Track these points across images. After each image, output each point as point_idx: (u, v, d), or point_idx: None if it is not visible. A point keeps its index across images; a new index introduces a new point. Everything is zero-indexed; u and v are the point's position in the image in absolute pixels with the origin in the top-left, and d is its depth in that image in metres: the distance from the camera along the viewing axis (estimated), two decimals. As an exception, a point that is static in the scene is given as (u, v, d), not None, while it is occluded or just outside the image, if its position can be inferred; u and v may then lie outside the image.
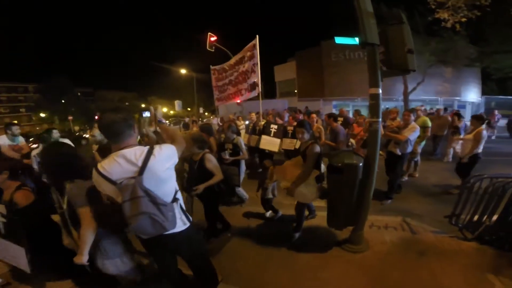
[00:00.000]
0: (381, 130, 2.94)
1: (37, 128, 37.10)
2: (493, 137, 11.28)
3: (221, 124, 8.43)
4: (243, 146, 4.24)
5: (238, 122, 8.23)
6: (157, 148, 1.61)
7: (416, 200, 4.44)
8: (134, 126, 1.64)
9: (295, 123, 5.86)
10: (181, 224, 1.77)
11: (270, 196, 3.63)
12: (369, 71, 2.65)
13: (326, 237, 3.25)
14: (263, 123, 5.62)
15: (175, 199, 1.73)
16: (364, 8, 2.54)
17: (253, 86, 5.65)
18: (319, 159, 2.89)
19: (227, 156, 3.91)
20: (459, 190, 3.29)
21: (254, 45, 5.44)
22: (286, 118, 10.21)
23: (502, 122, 12.89)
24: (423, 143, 5.66)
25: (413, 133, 4.14)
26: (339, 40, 19.45)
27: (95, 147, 4.57)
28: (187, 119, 12.29)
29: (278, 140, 5.05)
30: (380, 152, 3.10)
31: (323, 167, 3.03)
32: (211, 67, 7.37)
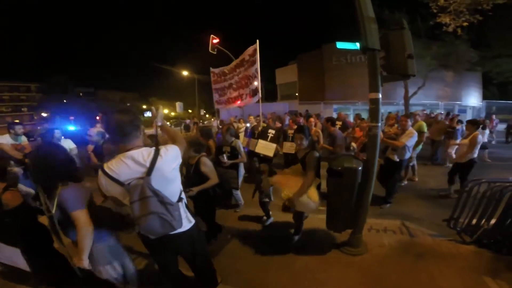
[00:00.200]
0: (380, 135, 2.96)
1: (39, 128, 37.16)
2: (493, 142, 11.29)
3: (220, 127, 8.46)
4: (242, 149, 4.21)
5: (239, 125, 8.26)
6: (163, 149, 1.64)
7: (415, 204, 4.47)
8: (140, 127, 1.66)
9: (295, 127, 5.89)
10: (186, 222, 1.80)
11: (266, 199, 3.60)
12: (369, 76, 2.68)
13: (325, 239, 3.27)
14: (261, 128, 5.63)
15: (180, 199, 1.76)
16: (365, 13, 2.57)
17: (255, 91, 5.68)
18: (319, 166, 2.86)
19: (225, 159, 3.87)
20: (458, 194, 3.31)
21: (255, 50, 5.47)
22: (286, 122, 10.24)
23: (501, 127, 12.89)
24: (420, 147, 5.68)
25: (410, 139, 4.13)
26: (340, 45, 19.60)
27: (91, 147, 4.58)
28: (188, 121, 12.35)
29: (274, 145, 5.04)
30: (378, 159, 3.11)
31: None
32: (211, 69, 7.43)
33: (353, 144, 5.81)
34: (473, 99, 23.32)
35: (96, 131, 4.16)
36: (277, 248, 3.11)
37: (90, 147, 4.57)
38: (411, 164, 5.53)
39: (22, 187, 3.58)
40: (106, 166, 1.56)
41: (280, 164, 5.19)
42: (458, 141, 4.74)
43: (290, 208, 2.88)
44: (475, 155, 4.31)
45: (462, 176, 4.45)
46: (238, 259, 2.98)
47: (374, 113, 2.69)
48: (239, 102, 6.41)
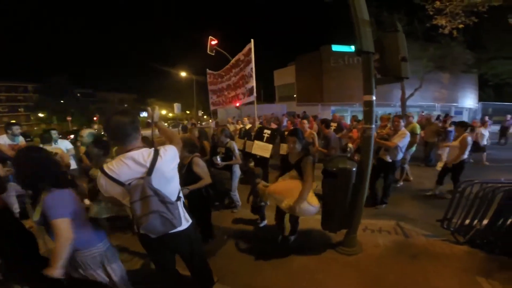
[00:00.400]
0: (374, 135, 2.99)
1: (35, 128, 37.00)
2: (485, 143, 11.39)
3: (215, 128, 8.46)
4: (236, 151, 4.19)
5: (237, 126, 8.28)
6: (162, 150, 1.68)
7: (410, 205, 4.51)
8: (139, 128, 1.69)
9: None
10: (184, 221, 1.83)
11: (262, 203, 3.54)
12: (363, 78, 2.72)
13: (320, 239, 3.30)
14: (256, 128, 5.64)
15: (178, 198, 1.80)
16: (360, 16, 2.61)
17: (251, 91, 5.71)
18: (313, 169, 2.82)
19: (218, 161, 3.84)
20: (451, 195, 3.35)
21: (250, 49, 5.50)
22: (284, 123, 10.28)
23: (495, 129, 12.98)
24: (413, 149, 5.73)
25: (402, 140, 4.15)
26: (336, 47, 19.79)
27: (83, 149, 4.50)
28: (186, 122, 12.36)
29: (270, 146, 5.01)
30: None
31: None
32: (208, 70, 7.46)
33: (350, 145, 5.85)
34: (469, 101, 23.53)
35: (87, 132, 4.10)
36: (273, 248, 3.13)
37: (82, 148, 4.54)
38: (404, 165, 5.58)
39: (17, 187, 3.62)
40: (106, 167, 1.58)
41: (277, 165, 5.21)
42: (448, 143, 4.78)
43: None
44: (466, 156, 4.38)
45: (454, 177, 4.52)
46: (234, 259, 3.00)
47: (368, 115, 2.72)
48: (237, 102, 6.43)
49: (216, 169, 3.80)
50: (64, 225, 1.60)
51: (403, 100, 16.02)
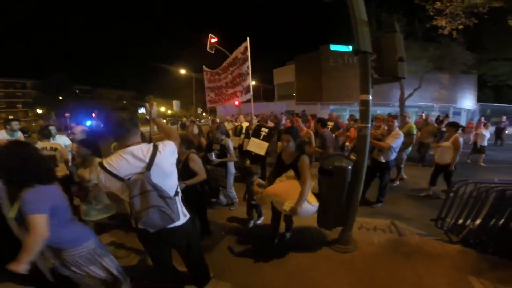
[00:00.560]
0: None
1: (33, 124, 36.89)
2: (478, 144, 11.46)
3: (212, 125, 8.44)
4: (231, 148, 4.21)
5: (235, 124, 8.28)
6: (161, 145, 1.71)
7: (405, 204, 4.56)
8: (139, 124, 1.72)
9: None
10: (182, 216, 1.86)
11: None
12: (360, 78, 2.74)
13: (316, 237, 3.33)
14: (254, 126, 5.66)
15: (176, 193, 1.82)
16: (358, 16, 2.63)
17: (248, 89, 5.72)
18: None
19: (213, 158, 3.85)
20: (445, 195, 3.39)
21: (246, 47, 5.49)
22: (283, 121, 10.28)
23: (491, 130, 13.03)
24: (409, 149, 5.77)
25: (396, 140, 4.17)
26: (334, 47, 19.84)
27: (75, 146, 4.55)
28: (184, 119, 12.36)
29: (266, 144, 5.05)
30: None
31: None
32: (204, 68, 7.46)
33: (347, 144, 5.88)
34: (467, 102, 23.62)
35: (80, 129, 4.08)
36: (269, 245, 3.15)
37: (75, 146, 4.53)
38: (400, 165, 5.62)
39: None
40: (105, 162, 1.61)
41: (274, 164, 5.23)
42: (440, 144, 4.82)
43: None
44: (457, 157, 4.43)
45: (446, 177, 4.59)
46: (230, 255, 3.03)
47: (364, 114, 2.75)
48: (235, 100, 6.44)
49: (211, 166, 3.81)
50: (39, 221, 1.57)
51: (402, 100, 16.07)
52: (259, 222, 3.78)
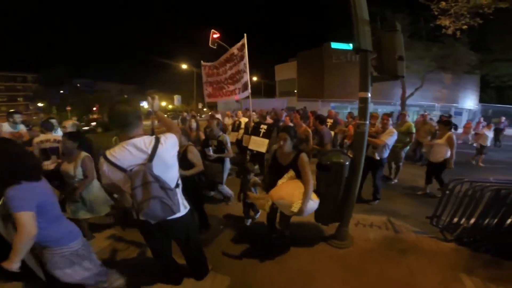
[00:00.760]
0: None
1: (34, 118, 37.00)
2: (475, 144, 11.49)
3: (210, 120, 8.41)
4: (229, 144, 4.19)
5: (235, 119, 8.30)
6: (163, 137, 1.75)
7: (402, 202, 4.60)
8: (141, 117, 1.76)
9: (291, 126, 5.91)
10: (182, 208, 1.91)
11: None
12: (360, 75, 2.77)
13: (313, 232, 3.38)
14: (253, 124, 5.70)
15: (177, 185, 1.87)
16: (360, 15, 2.65)
17: (245, 85, 5.74)
18: None
19: (210, 153, 3.86)
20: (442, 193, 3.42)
21: (243, 44, 5.49)
22: (283, 118, 10.27)
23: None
24: (407, 148, 5.80)
25: (390, 138, 4.22)
26: (334, 45, 19.79)
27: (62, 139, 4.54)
28: (185, 114, 12.36)
29: (267, 141, 5.09)
30: None
31: None
32: (202, 62, 7.48)
33: (346, 141, 5.91)
34: (469, 102, 23.54)
35: (71, 123, 4.02)
36: (266, 240, 3.17)
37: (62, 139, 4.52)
38: (400, 163, 5.66)
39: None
40: (108, 153, 1.65)
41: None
42: (433, 141, 4.86)
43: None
44: (448, 155, 4.47)
45: (437, 176, 4.65)
46: (228, 249, 3.07)
47: (362, 111, 2.78)
48: (232, 96, 6.47)
49: (208, 161, 3.83)
50: (25, 218, 1.54)
51: (403, 99, 16.05)
52: (257, 216, 3.80)
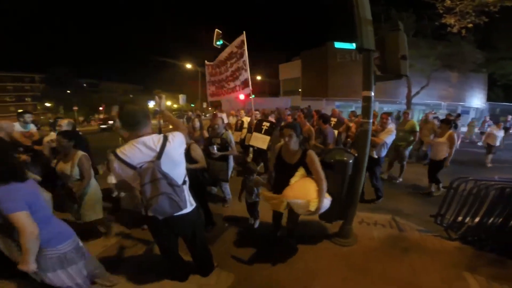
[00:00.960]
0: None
1: (42, 117, 37.57)
2: (480, 143, 11.37)
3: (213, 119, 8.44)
4: (233, 142, 4.16)
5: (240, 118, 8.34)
6: (171, 136, 1.81)
7: (407, 200, 4.60)
8: (150, 116, 1.83)
9: None
10: (189, 205, 1.96)
11: (256, 199, 3.38)
12: (363, 75, 2.80)
13: (317, 229, 3.41)
14: (256, 121, 5.73)
15: (184, 182, 1.92)
16: (363, 15, 2.66)
17: (246, 83, 5.75)
18: None
19: (214, 151, 3.83)
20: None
21: (243, 41, 5.50)
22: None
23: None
24: (411, 147, 5.78)
25: (389, 136, 4.25)
26: (338, 45, 19.73)
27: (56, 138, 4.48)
28: (190, 113, 12.46)
29: (268, 138, 5.14)
30: None
31: None
32: (206, 62, 7.54)
33: (349, 140, 5.90)
34: (476, 101, 23.22)
35: (66, 121, 3.97)
36: (271, 237, 3.19)
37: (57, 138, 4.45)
38: (404, 162, 5.64)
39: (29, 174, 3.76)
40: (119, 151, 1.71)
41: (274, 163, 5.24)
42: (434, 139, 4.87)
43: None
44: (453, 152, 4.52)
45: (431, 173, 4.72)
46: (233, 246, 3.12)
47: (366, 110, 2.81)
48: (235, 94, 6.50)
49: (212, 159, 3.85)
50: (23, 218, 1.52)
51: (409, 98, 15.90)
52: (256, 225, 3.58)
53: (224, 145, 3.99)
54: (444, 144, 4.47)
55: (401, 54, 2.63)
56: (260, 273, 2.64)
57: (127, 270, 2.64)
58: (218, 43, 10.35)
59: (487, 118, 12.50)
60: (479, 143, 11.40)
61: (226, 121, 8.42)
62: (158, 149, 1.71)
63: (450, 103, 21.54)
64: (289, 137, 2.48)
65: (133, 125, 1.75)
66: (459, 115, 10.86)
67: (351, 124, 6.07)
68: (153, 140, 1.74)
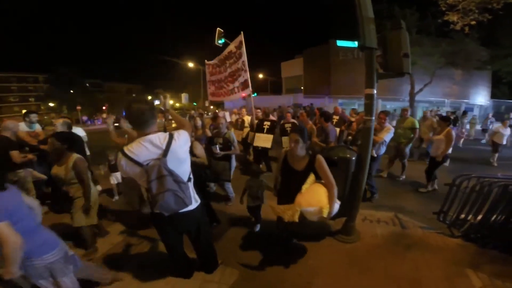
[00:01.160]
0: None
1: (45, 117, 37.88)
2: (483, 141, 11.32)
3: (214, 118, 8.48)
4: (235, 141, 4.13)
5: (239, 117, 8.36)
6: (176, 134, 1.85)
7: (409, 198, 4.61)
8: (156, 115, 1.86)
9: (292, 121, 5.94)
10: (194, 201, 2.00)
11: (258, 202, 3.31)
12: (366, 72, 2.81)
13: (320, 226, 3.39)
14: (257, 121, 5.76)
15: (189, 179, 1.96)
16: (365, 14, 2.67)
17: (245, 84, 5.77)
18: None
19: (217, 150, 3.82)
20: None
21: (241, 42, 5.50)
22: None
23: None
24: (411, 145, 5.78)
25: (388, 135, 4.32)
26: (340, 43, 19.68)
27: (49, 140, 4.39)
28: (192, 112, 12.50)
29: (271, 136, 5.22)
30: None
31: None
32: (206, 61, 7.57)
33: (350, 138, 5.90)
34: (480, 98, 23.02)
35: (61, 121, 3.92)
36: (274, 235, 3.17)
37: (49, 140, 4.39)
38: (404, 160, 5.64)
39: (35, 173, 3.82)
40: (126, 149, 1.74)
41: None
42: (432, 137, 4.92)
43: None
44: (449, 151, 4.58)
45: (429, 170, 4.76)
46: (237, 244, 3.15)
47: (368, 107, 2.82)
48: (235, 96, 6.53)
49: (214, 159, 3.87)
50: (5, 230, 1.45)
51: (412, 95, 15.81)
52: (257, 229, 3.49)
53: (227, 145, 3.99)
54: (443, 141, 4.51)
55: (403, 52, 2.64)
56: (264, 270, 2.67)
57: (133, 267, 2.68)
58: (220, 41, 10.38)
59: (490, 116, 12.41)
60: (483, 141, 11.34)
61: (228, 119, 8.46)
62: (164, 147, 1.75)
63: (453, 101, 21.37)
64: (295, 143, 2.36)
65: (141, 124, 1.78)
66: (465, 113, 10.76)
67: (353, 119, 6.09)
68: (159, 138, 1.77)
